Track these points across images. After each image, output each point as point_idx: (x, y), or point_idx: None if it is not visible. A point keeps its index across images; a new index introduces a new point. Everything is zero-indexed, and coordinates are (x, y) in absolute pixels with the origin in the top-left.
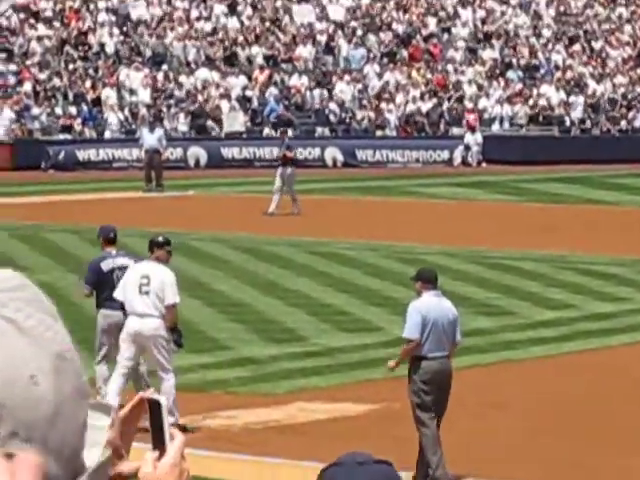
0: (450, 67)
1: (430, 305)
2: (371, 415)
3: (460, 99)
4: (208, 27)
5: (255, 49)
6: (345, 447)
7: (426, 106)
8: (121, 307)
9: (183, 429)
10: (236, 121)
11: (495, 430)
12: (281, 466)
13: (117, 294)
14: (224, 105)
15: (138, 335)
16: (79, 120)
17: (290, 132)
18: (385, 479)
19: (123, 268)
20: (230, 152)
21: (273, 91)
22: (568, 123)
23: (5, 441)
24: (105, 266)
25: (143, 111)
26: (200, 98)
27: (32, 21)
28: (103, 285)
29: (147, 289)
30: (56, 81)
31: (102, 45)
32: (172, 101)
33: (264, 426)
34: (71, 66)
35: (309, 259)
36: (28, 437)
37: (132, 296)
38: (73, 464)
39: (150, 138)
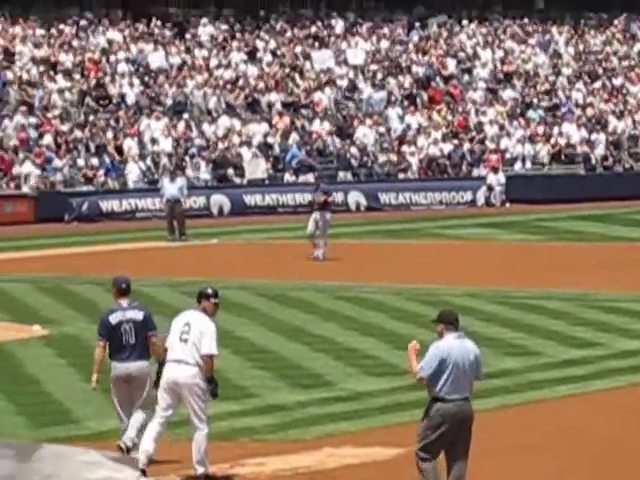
0: (471, 108)
1: (452, 347)
2: (400, 459)
3: (482, 140)
4: (228, 75)
5: (274, 95)
6: None
7: (448, 148)
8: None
9: (212, 479)
10: (258, 168)
11: (524, 472)
12: None
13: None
14: (245, 152)
15: (175, 383)
16: (101, 171)
17: (310, 177)
18: None
19: (132, 321)
20: (253, 199)
21: (294, 137)
22: (590, 161)
23: None
24: (113, 319)
25: (164, 160)
26: (221, 146)
27: (51, 73)
28: (112, 338)
29: (187, 337)
30: (77, 133)
31: (122, 96)
32: (194, 150)
33: (293, 472)
34: (92, 117)
35: (334, 304)
36: None
37: (173, 343)
38: None
39: (171, 188)
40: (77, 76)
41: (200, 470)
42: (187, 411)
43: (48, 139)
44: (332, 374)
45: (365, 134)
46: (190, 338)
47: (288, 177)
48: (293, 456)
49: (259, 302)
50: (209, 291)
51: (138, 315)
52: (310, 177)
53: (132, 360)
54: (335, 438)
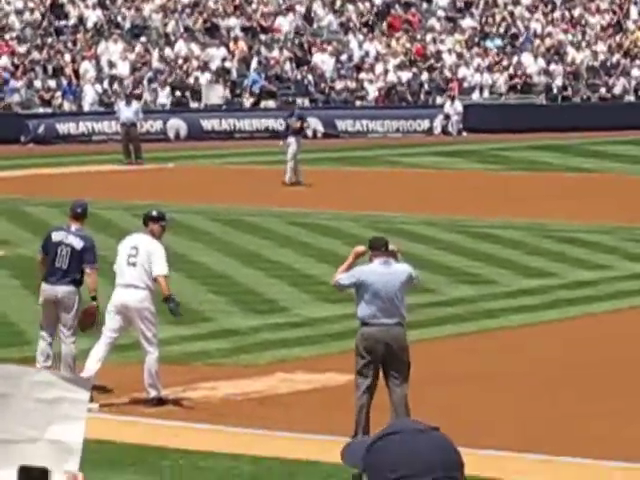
0: (430, 36)
1: (375, 271)
2: (351, 386)
3: (440, 69)
4: None
5: (234, 20)
6: (326, 417)
7: (406, 76)
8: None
9: (164, 401)
10: (215, 93)
11: (482, 400)
12: (262, 437)
13: (115, 267)
14: (203, 77)
15: (123, 307)
16: (58, 94)
17: (271, 103)
18: (447, 444)
19: (70, 247)
20: (210, 124)
21: (254, 63)
22: (552, 91)
23: None
24: (55, 237)
25: (120, 84)
26: (179, 70)
27: None
28: (48, 255)
29: (134, 260)
30: (35, 54)
31: (81, 18)
32: (151, 74)
33: (245, 397)
34: (50, 39)
35: (290, 230)
36: None
37: (121, 267)
38: None
39: (127, 111)
40: None
41: (153, 393)
42: (137, 335)
43: (5, 60)
44: (287, 300)
45: (323, 61)
46: (138, 261)
47: (246, 102)
48: (245, 381)
49: (214, 227)
50: (154, 214)
51: (78, 243)
52: (270, 103)
53: (60, 284)
54: (288, 364)
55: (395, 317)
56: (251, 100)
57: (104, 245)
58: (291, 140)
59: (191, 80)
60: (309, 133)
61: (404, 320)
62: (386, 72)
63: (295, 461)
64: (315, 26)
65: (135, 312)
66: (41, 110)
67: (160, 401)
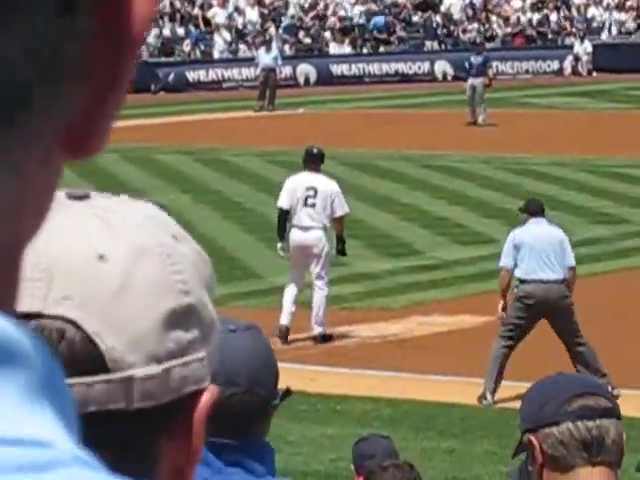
0: None
1: (529, 232)
2: (488, 327)
3: (568, 8)
4: None
5: None
6: (463, 359)
7: (535, 17)
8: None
9: (329, 338)
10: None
11: (612, 340)
12: (399, 380)
13: (282, 203)
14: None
15: (302, 247)
16: (188, 41)
17: (400, 47)
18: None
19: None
20: (339, 69)
21: (373, 6)
22: None
23: (56, 303)
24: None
25: (257, 30)
26: (309, 19)
27: None
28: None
29: (313, 201)
30: (164, 3)
31: None
32: (282, 20)
33: (382, 340)
34: None
35: (422, 173)
36: (83, 304)
37: (296, 208)
38: (146, 349)
39: (266, 57)
40: None
41: (318, 330)
42: (310, 273)
43: None
44: (421, 243)
45: (451, 3)
46: (318, 203)
47: (370, 47)
48: (382, 324)
49: (344, 171)
50: (315, 151)
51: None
52: (399, 47)
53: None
54: (423, 306)
55: (552, 274)
56: (375, 44)
57: (238, 191)
58: (473, 82)
59: (320, 27)
60: (439, 76)
61: (564, 276)
62: (515, 12)
63: (433, 403)
64: None
65: (313, 251)
66: (171, 59)
67: (324, 338)
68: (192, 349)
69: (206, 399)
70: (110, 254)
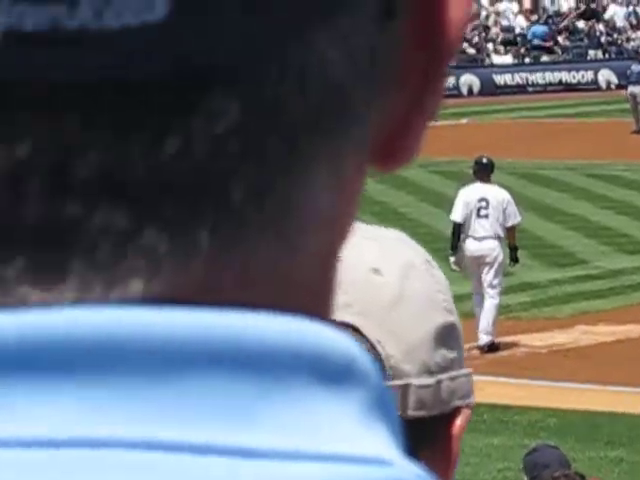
0: None
1: None
2: None
3: None
4: None
5: None
6: (632, 369)
7: None
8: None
9: (496, 347)
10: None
11: None
12: (565, 390)
13: (456, 216)
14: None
15: (477, 258)
16: None
17: (563, 57)
18: None
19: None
20: (502, 79)
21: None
22: None
23: (338, 309)
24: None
25: None
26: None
27: None
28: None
29: (486, 212)
30: None
31: None
32: None
33: (548, 350)
34: None
35: (587, 182)
36: (362, 312)
37: (470, 220)
38: (419, 360)
39: None
40: None
41: (486, 339)
42: (482, 281)
43: None
44: (585, 252)
45: (615, 12)
46: (490, 213)
47: (530, 57)
48: (547, 333)
49: (509, 180)
50: (485, 160)
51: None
52: (561, 57)
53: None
54: (589, 316)
55: None
56: (536, 53)
57: (402, 202)
58: (633, 90)
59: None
60: (602, 85)
61: None
62: None
63: (599, 413)
64: None
65: (486, 260)
66: None
67: (491, 347)
68: (454, 367)
69: (465, 417)
70: (382, 268)
